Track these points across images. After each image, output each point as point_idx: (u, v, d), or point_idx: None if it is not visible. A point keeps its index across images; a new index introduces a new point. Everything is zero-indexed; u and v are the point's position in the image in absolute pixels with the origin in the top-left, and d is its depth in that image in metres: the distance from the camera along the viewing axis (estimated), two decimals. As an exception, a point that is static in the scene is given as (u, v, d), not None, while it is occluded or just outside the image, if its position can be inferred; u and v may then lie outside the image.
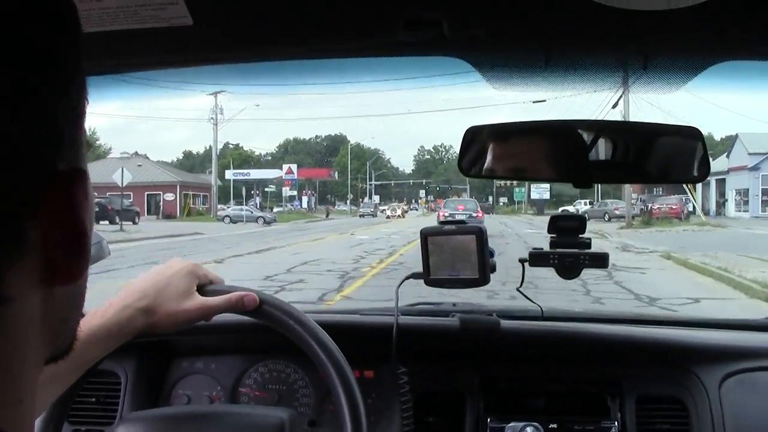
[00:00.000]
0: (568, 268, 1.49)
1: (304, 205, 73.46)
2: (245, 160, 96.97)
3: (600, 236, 26.00)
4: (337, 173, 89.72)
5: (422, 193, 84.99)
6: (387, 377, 1.54)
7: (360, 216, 58.31)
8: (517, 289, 1.60)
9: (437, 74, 1.34)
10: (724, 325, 1.83)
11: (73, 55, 0.48)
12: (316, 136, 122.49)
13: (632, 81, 1.25)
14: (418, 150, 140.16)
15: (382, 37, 1.02)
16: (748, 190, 44.29)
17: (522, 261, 1.54)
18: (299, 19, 1.00)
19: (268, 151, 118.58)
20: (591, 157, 1.31)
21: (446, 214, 27.88)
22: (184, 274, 1.14)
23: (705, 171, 1.28)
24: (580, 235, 1.51)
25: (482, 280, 1.44)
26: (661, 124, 1.38)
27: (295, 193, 72.93)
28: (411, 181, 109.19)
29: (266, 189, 67.65)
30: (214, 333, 1.51)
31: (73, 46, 0.48)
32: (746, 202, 44.85)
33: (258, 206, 63.18)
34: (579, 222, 1.52)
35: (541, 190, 72.80)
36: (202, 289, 1.15)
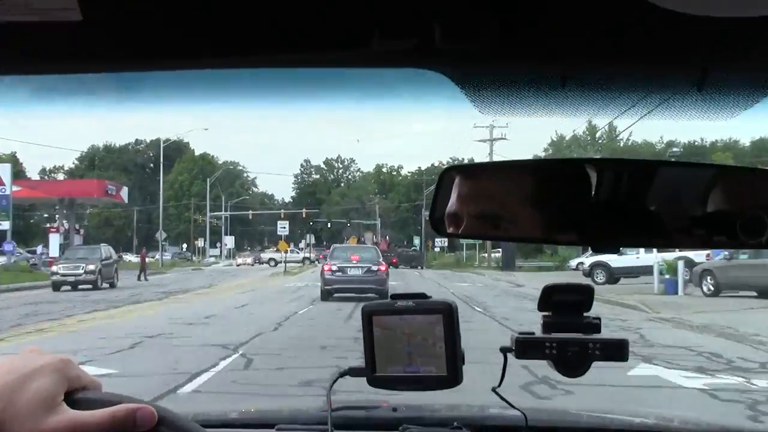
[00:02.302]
0: (572, 362, 1.18)
1: (54, 250, 38.56)
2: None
3: None
4: (125, 195, 48.35)
5: (282, 228, 44.96)
6: None
7: None
8: (494, 390, 1.29)
9: (402, 88, 1.02)
10: None
11: None
12: (137, 141, 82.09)
13: (681, 103, 0.96)
14: (302, 166, 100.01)
15: (355, 47, 0.85)
16: None
17: (504, 351, 1.24)
18: (230, 25, 0.83)
19: (58, 164, 77.93)
20: (618, 212, 1.01)
21: (333, 269, 21.31)
22: (47, 373, 0.81)
23: None
24: (586, 314, 1.21)
25: (452, 379, 1.15)
26: (726, 166, 1.10)
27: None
28: (282, 211, 69.01)
29: None
30: None
31: None
32: None
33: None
34: (584, 295, 1.21)
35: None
36: (72, 398, 0.82)
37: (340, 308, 17.52)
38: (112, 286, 27.18)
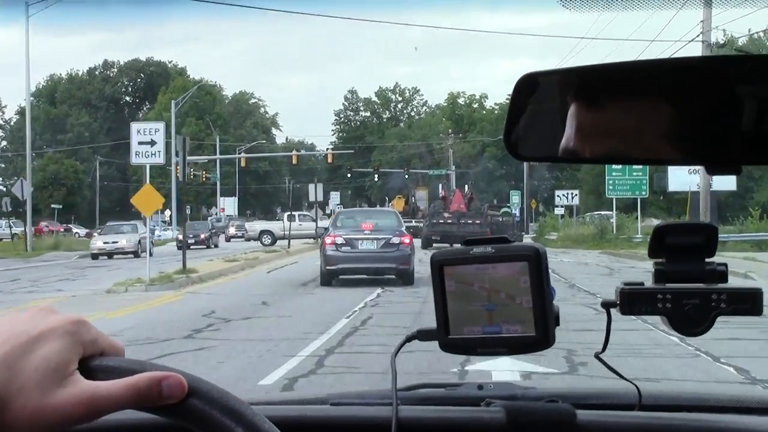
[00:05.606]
0: (692, 317, 1.03)
1: None
2: None
3: None
4: None
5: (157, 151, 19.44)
6: None
7: None
8: (597, 356, 1.17)
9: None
10: None
11: None
12: (106, 63, 63.38)
13: None
14: (346, 100, 78.24)
15: None
16: None
17: (607, 306, 1.09)
18: None
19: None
20: (747, 119, 0.87)
21: (337, 241, 17.02)
22: (58, 336, 0.70)
23: None
24: (708, 260, 1.05)
25: (542, 339, 1.03)
26: None
27: None
28: (295, 153, 47.92)
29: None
30: None
31: None
32: None
33: None
34: (705, 236, 1.04)
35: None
36: (87, 365, 0.71)
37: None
38: None
